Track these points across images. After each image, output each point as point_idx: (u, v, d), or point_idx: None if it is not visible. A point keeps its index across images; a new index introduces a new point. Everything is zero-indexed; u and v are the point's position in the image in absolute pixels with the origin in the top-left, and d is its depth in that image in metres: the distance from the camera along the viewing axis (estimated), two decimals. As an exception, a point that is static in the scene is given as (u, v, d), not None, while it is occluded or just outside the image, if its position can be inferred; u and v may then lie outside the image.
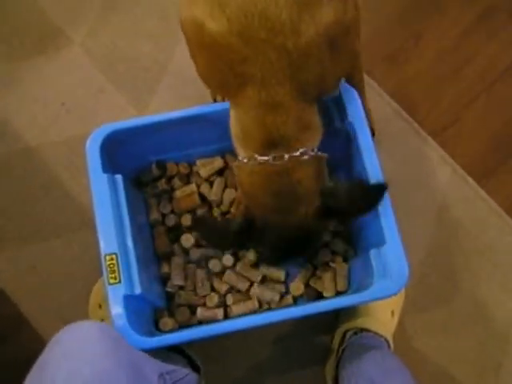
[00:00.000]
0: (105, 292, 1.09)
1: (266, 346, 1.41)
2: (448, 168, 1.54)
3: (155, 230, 1.35)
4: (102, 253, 1.10)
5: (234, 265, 1.33)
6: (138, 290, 1.11)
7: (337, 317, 1.38)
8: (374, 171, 1.15)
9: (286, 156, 1.03)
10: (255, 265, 1.34)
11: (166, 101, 1.60)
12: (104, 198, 1.13)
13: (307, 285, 1.33)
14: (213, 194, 1.36)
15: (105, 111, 1.59)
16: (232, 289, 1.32)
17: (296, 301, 1.33)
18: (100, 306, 1.36)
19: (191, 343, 1.23)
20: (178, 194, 1.36)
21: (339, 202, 1.08)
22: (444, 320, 1.45)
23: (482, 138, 1.58)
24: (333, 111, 1.23)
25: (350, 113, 1.20)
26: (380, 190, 1.09)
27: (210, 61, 1.04)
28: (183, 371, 1.12)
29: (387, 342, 1.30)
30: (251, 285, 1.32)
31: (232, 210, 1.36)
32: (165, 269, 1.32)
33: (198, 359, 1.29)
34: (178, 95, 1.59)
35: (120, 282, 1.08)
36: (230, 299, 1.30)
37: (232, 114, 1.09)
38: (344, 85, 1.20)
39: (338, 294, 1.31)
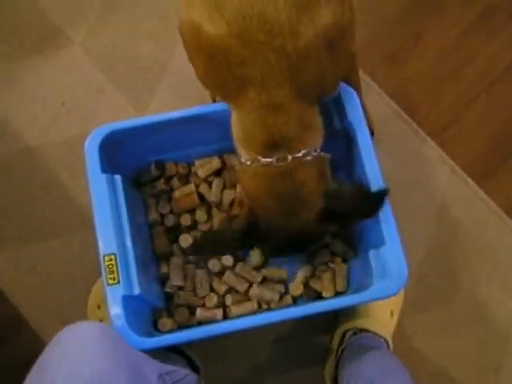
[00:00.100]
0: (104, 292, 1.09)
1: (266, 346, 1.41)
2: (448, 168, 1.54)
3: (154, 230, 1.35)
4: (101, 253, 1.10)
5: (234, 265, 1.33)
6: (136, 291, 1.11)
7: (336, 317, 1.38)
8: (373, 171, 1.15)
9: (289, 157, 1.03)
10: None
11: (165, 101, 1.60)
12: (103, 199, 1.13)
13: (307, 285, 1.33)
14: (212, 195, 1.36)
15: (105, 111, 1.60)
16: (231, 289, 1.32)
17: (295, 301, 1.33)
18: (99, 307, 1.36)
19: (190, 344, 1.23)
20: (176, 194, 1.36)
21: (342, 206, 1.09)
22: (444, 320, 1.44)
23: (482, 138, 1.58)
24: (332, 112, 1.23)
25: (349, 113, 1.20)
26: (381, 195, 1.10)
27: (208, 64, 1.04)
28: (183, 372, 1.12)
29: (386, 342, 1.30)
30: (250, 286, 1.32)
31: (234, 211, 1.36)
32: (164, 269, 1.32)
33: (198, 360, 1.29)
34: (177, 95, 1.59)
35: (119, 282, 1.08)
36: (229, 300, 1.30)
37: (233, 115, 1.09)
38: (343, 86, 1.20)
39: (338, 294, 1.31)
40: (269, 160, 1.04)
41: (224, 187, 1.38)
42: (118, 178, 1.19)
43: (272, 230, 1.09)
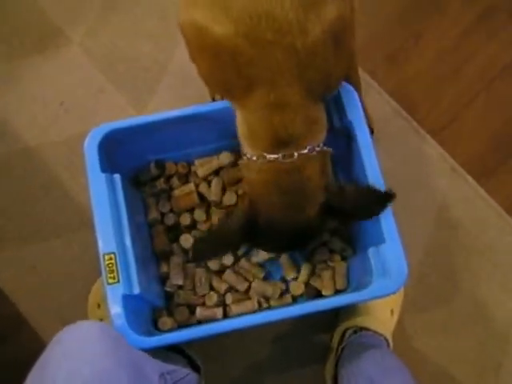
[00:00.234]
0: (104, 292, 1.09)
1: (266, 344, 1.41)
2: (448, 167, 1.54)
3: (154, 229, 1.35)
4: (101, 252, 1.10)
5: (234, 264, 1.33)
6: (136, 290, 1.11)
7: (336, 315, 1.38)
8: (373, 170, 1.15)
9: (296, 154, 1.04)
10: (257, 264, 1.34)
11: (165, 101, 1.60)
12: (102, 198, 1.13)
13: (307, 284, 1.33)
14: (212, 195, 1.36)
15: (104, 111, 1.60)
16: (231, 288, 1.32)
17: (295, 300, 1.33)
18: (99, 306, 1.36)
19: (190, 343, 1.23)
20: (176, 193, 1.36)
21: (344, 203, 1.09)
22: (444, 320, 1.44)
23: (482, 137, 1.58)
24: (332, 111, 1.23)
25: (349, 112, 1.20)
26: (386, 197, 1.10)
27: (212, 63, 1.04)
28: (183, 371, 1.12)
29: (386, 340, 1.30)
30: (250, 285, 1.32)
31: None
32: (164, 268, 1.32)
33: (198, 359, 1.29)
34: (177, 95, 1.59)
35: (119, 281, 1.08)
36: (229, 298, 1.30)
37: (238, 114, 1.09)
38: (343, 84, 1.20)
39: (338, 292, 1.31)
40: (275, 156, 1.04)
41: (224, 186, 1.38)
42: (117, 177, 1.19)
43: (273, 225, 1.09)
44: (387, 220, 1.12)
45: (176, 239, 1.35)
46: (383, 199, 1.10)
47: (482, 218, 1.51)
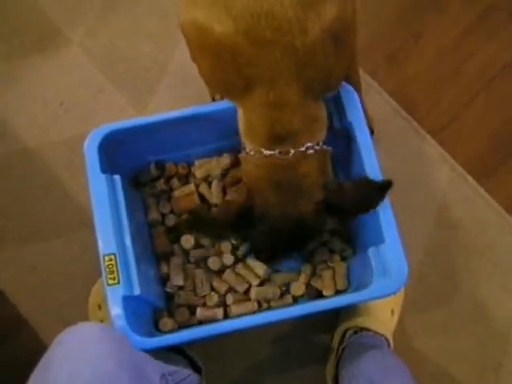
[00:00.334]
0: (104, 293, 1.09)
1: (266, 345, 1.41)
2: (448, 167, 1.54)
3: (154, 229, 1.35)
4: (101, 253, 1.10)
5: (234, 264, 1.33)
6: (137, 291, 1.10)
7: (337, 315, 1.38)
8: (373, 171, 1.15)
9: (292, 151, 1.04)
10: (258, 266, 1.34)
11: (165, 101, 1.60)
12: (102, 199, 1.13)
13: (308, 284, 1.33)
14: (214, 197, 1.35)
15: (104, 111, 1.60)
16: (231, 289, 1.32)
17: (296, 300, 1.33)
18: (99, 307, 1.36)
19: (191, 343, 1.23)
20: (176, 193, 1.36)
21: (342, 200, 1.09)
22: (444, 320, 1.44)
23: (482, 137, 1.58)
24: (332, 111, 1.23)
25: (349, 113, 1.20)
26: (384, 187, 1.09)
27: (213, 63, 1.04)
28: (185, 372, 1.12)
29: (387, 340, 1.30)
30: (250, 287, 1.32)
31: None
32: (164, 269, 1.32)
33: (199, 360, 1.29)
34: (177, 95, 1.59)
35: (119, 282, 1.08)
36: (229, 299, 1.30)
37: (238, 111, 1.10)
38: (343, 85, 1.20)
39: (338, 292, 1.31)
40: (271, 152, 1.04)
41: (224, 187, 1.38)
42: (117, 178, 1.18)
43: (267, 219, 1.09)
44: (387, 220, 1.12)
45: (176, 240, 1.35)
46: (381, 189, 1.10)
47: (481, 218, 1.51)
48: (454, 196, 1.52)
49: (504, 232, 1.50)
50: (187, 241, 1.34)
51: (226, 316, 1.30)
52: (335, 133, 1.21)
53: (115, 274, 1.08)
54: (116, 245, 1.10)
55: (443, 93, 1.61)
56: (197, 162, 1.38)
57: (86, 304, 1.39)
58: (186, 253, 1.34)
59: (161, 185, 1.36)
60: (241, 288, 1.31)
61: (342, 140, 1.24)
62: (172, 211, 1.37)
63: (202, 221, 1.13)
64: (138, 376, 0.85)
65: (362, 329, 1.30)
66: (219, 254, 1.33)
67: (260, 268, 1.31)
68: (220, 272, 1.33)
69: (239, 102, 1.08)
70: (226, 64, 1.01)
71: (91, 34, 1.66)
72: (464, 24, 1.66)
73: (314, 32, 0.97)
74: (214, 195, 1.36)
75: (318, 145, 1.07)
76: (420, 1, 1.69)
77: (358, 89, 1.27)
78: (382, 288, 1.10)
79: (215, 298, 1.30)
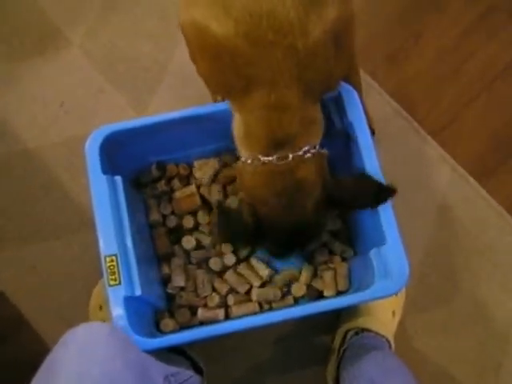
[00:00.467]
0: (105, 294, 1.09)
1: (267, 346, 1.41)
2: (448, 167, 1.54)
3: (155, 230, 1.35)
4: (102, 254, 1.10)
5: (235, 265, 1.33)
6: (138, 292, 1.10)
7: (338, 316, 1.38)
8: (373, 171, 1.15)
9: (290, 156, 1.04)
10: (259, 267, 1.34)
11: (166, 101, 1.59)
12: (103, 200, 1.13)
13: (309, 285, 1.33)
14: (213, 196, 1.36)
15: (104, 111, 1.59)
16: (232, 290, 1.32)
17: (297, 301, 1.33)
18: (101, 308, 1.36)
19: (192, 344, 1.23)
20: (177, 194, 1.36)
21: (342, 194, 1.10)
22: (444, 320, 1.45)
23: (482, 137, 1.58)
24: (333, 112, 1.23)
25: (350, 113, 1.19)
26: (389, 192, 1.10)
27: (213, 63, 1.04)
28: (187, 373, 1.12)
29: (388, 342, 1.30)
30: (251, 288, 1.32)
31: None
32: (165, 270, 1.32)
33: (201, 361, 1.29)
34: (178, 95, 1.59)
35: (120, 283, 1.08)
36: (231, 300, 1.30)
37: (235, 115, 1.09)
38: (344, 85, 1.20)
39: (339, 293, 1.31)
40: (269, 158, 1.04)
41: (224, 186, 1.38)
42: (118, 179, 1.18)
43: (274, 226, 1.09)
44: (388, 221, 1.12)
45: (177, 241, 1.35)
46: (383, 190, 1.10)
47: (482, 218, 1.51)
48: (454, 196, 1.52)
49: (504, 232, 1.50)
50: (188, 242, 1.34)
51: (227, 317, 1.30)
52: (335, 133, 1.21)
53: (116, 275, 1.08)
54: (117, 246, 1.10)
55: (443, 93, 1.61)
56: (196, 163, 1.38)
57: (86, 304, 1.39)
58: (187, 253, 1.35)
59: (162, 186, 1.36)
60: (242, 289, 1.31)
61: (341, 140, 1.24)
62: (173, 212, 1.37)
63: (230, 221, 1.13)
64: (142, 377, 0.86)
65: (364, 330, 1.30)
66: (220, 254, 1.33)
67: (263, 269, 1.32)
68: (221, 273, 1.33)
69: (238, 104, 1.07)
70: (225, 64, 1.00)
71: (91, 34, 1.66)
72: (464, 24, 1.66)
73: (315, 34, 0.97)
74: (212, 193, 1.36)
75: (314, 148, 1.07)
76: (420, 1, 1.69)
77: (358, 89, 1.27)
78: (384, 288, 1.10)
79: (216, 298, 1.30)
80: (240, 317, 1.28)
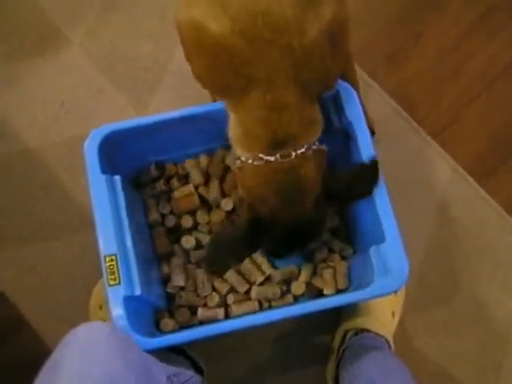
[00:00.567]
0: (105, 293, 1.09)
1: (267, 345, 1.41)
2: (448, 167, 1.54)
3: (155, 230, 1.35)
4: (102, 254, 1.10)
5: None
6: (138, 291, 1.10)
7: (338, 315, 1.38)
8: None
9: (293, 154, 1.03)
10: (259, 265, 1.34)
11: (166, 101, 1.59)
12: (103, 199, 1.13)
13: (308, 283, 1.33)
14: (210, 194, 1.36)
15: (104, 111, 1.59)
16: (232, 289, 1.32)
17: (297, 299, 1.33)
18: (101, 308, 1.36)
19: (192, 344, 1.23)
20: (176, 194, 1.36)
21: (338, 185, 1.10)
22: (444, 320, 1.45)
23: (482, 137, 1.58)
24: (331, 111, 1.23)
25: (349, 113, 1.19)
26: (374, 166, 1.11)
27: (210, 63, 1.03)
28: (188, 373, 1.13)
29: (388, 342, 1.30)
30: (250, 287, 1.32)
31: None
32: (165, 269, 1.32)
33: (201, 361, 1.29)
34: (178, 95, 1.59)
35: (120, 283, 1.08)
36: (230, 299, 1.30)
37: (232, 115, 1.09)
38: (343, 85, 1.20)
39: (339, 291, 1.31)
40: (272, 158, 1.04)
41: (222, 183, 1.38)
42: (117, 178, 1.18)
43: (275, 223, 1.09)
44: (388, 218, 1.13)
45: (177, 240, 1.35)
46: (372, 169, 1.11)
47: (482, 218, 1.51)
48: (455, 195, 1.52)
49: (504, 232, 1.50)
50: (188, 241, 1.34)
51: (227, 316, 1.30)
52: (335, 131, 1.21)
53: (116, 275, 1.08)
54: (117, 245, 1.10)
55: (443, 93, 1.61)
56: (187, 163, 1.39)
57: (86, 304, 1.39)
58: (186, 253, 1.35)
59: (161, 185, 1.36)
60: (242, 288, 1.31)
61: (341, 138, 1.24)
62: (172, 212, 1.37)
63: (221, 253, 1.12)
64: (145, 376, 0.86)
65: (363, 330, 1.30)
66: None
67: (266, 263, 1.32)
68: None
69: (235, 104, 1.06)
70: (223, 63, 1.00)
71: (91, 34, 1.66)
72: (464, 24, 1.66)
73: (311, 33, 0.97)
74: (210, 192, 1.36)
75: (314, 144, 1.07)
76: (420, 1, 1.69)
77: (355, 86, 1.27)
78: (384, 286, 1.10)
79: (216, 298, 1.30)
80: (240, 316, 1.28)
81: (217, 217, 1.35)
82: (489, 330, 1.44)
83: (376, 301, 1.31)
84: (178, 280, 1.30)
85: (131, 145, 1.25)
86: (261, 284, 1.32)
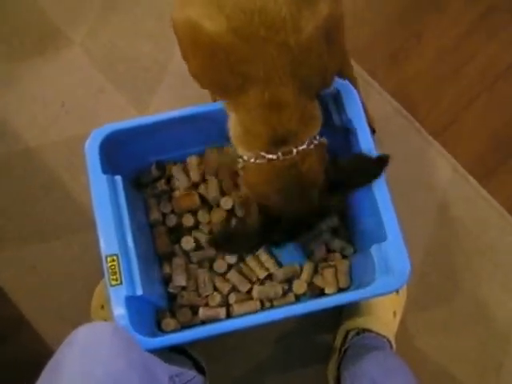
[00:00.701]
0: (107, 293, 1.09)
1: (268, 344, 1.41)
2: (449, 167, 1.54)
3: (156, 230, 1.35)
4: (103, 254, 1.10)
5: (238, 263, 1.34)
6: (139, 291, 1.10)
7: (340, 313, 1.38)
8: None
9: (295, 150, 1.04)
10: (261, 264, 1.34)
11: (166, 101, 1.59)
12: (104, 199, 1.13)
13: (310, 283, 1.33)
14: (210, 193, 1.36)
15: (105, 111, 1.59)
16: (234, 289, 1.32)
17: (298, 299, 1.33)
18: (102, 307, 1.36)
19: (194, 344, 1.23)
20: (177, 193, 1.36)
21: (340, 174, 1.10)
22: (445, 319, 1.45)
23: (482, 137, 1.58)
24: (332, 109, 1.23)
25: (349, 110, 1.19)
26: (382, 162, 1.11)
27: (207, 62, 1.03)
28: (190, 373, 1.13)
29: (389, 342, 1.30)
30: (252, 287, 1.32)
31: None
32: (166, 269, 1.32)
33: (202, 361, 1.29)
34: (178, 95, 1.59)
35: (121, 283, 1.08)
36: (232, 298, 1.30)
37: (231, 114, 1.09)
38: (343, 83, 1.20)
39: (340, 290, 1.31)
40: (274, 156, 1.04)
41: (220, 183, 1.38)
42: (118, 178, 1.18)
43: (283, 216, 1.09)
44: (389, 217, 1.13)
45: (178, 240, 1.35)
46: (378, 162, 1.11)
47: (483, 218, 1.51)
48: (455, 195, 1.52)
49: (505, 232, 1.50)
50: (187, 242, 1.34)
51: (229, 316, 1.30)
52: (335, 130, 1.21)
53: (118, 275, 1.08)
54: (118, 245, 1.10)
55: (443, 93, 1.61)
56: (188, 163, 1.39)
57: (86, 304, 1.39)
58: (187, 254, 1.34)
59: (161, 185, 1.36)
60: (243, 288, 1.31)
61: (341, 137, 1.24)
62: (173, 211, 1.37)
63: (231, 237, 1.13)
64: (147, 376, 0.86)
65: (364, 330, 1.30)
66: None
67: (269, 260, 1.33)
68: (224, 272, 1.33)
69: (234, 103, 1.06)
70: (219, 62, 0.99)
71: (91, 34, 1.66)
72: (464, 24, 1.66)
73: (307, 30, 0.97)
74: (209, 190, 1.36)
75: (315, 139, 1.07)
76: (420, 1, 1.69)
77: (353, 82, 1.29)
78: (385, 285, 1.10)
79: (218, 297, 1.30)
80: (241, 315, 1.27)
81: (217, 216, 1.35)
82: (489, 330, 1.44)
83: (377, 300, 1.31)
84: (180, 280, 1.30)
85: (132, 145, 1.25)
86: (263, 282, 1.32)
